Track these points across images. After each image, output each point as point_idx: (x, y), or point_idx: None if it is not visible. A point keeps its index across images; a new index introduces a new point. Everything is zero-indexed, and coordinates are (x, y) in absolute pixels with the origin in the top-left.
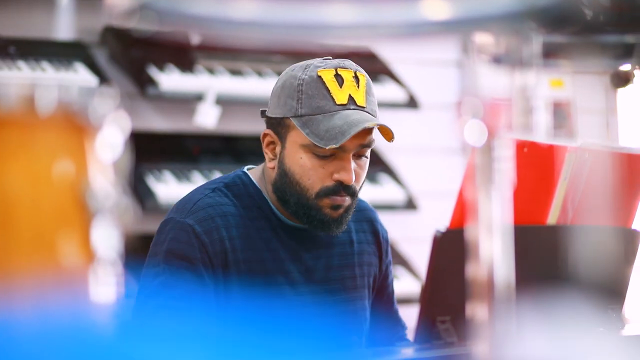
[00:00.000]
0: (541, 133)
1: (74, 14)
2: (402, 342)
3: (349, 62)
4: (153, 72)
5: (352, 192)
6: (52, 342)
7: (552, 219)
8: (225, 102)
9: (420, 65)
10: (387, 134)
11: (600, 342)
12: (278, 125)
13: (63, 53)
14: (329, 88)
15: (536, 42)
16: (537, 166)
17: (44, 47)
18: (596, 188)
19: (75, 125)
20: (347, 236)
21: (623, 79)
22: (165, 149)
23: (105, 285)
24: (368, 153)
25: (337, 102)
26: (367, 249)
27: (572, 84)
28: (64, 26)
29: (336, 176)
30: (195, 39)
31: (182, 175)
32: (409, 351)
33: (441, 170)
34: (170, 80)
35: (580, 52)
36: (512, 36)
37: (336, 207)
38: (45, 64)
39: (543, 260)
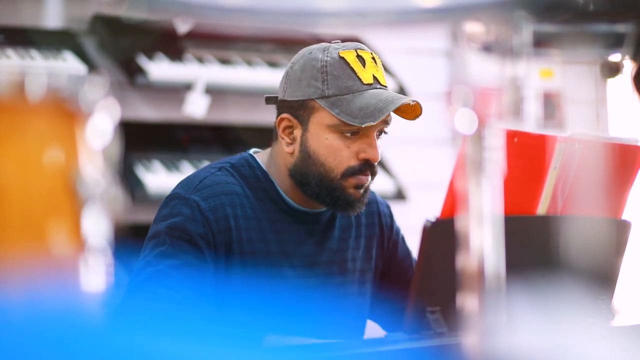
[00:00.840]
0: (531, 123)
1: (62, 3)
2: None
3: (363, 45)
4: (142, 61)
5: (375, 171)
6: (42, 329)
7: (542, 209)
8: (215, 92)
9: (409, 54)
10: (413, 112)
11: (590, 332)
12: (299, 109)
13: (52, 41)
14: (354, 68)
15: (526, 31)
16: (527, 156)
17: (33, 35)
18: (586, 178)
19: (65, 112)
20: (348, 220)
21: (613, 70)
22: (155, 138)
23: (95, 273)
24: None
25: (364, 82)
26: (367, 232)
27: (562, 74)
28: (52, 14)
29: (363, 155)
30: (184, 28)
31: (171, 165)
32: (398, 342)
33: (431, 161)
34: (159, 69)
35: (571, 41)
36: (503, 25)
37: (359, 187)
38: (34, 53)
39: (533, 250)
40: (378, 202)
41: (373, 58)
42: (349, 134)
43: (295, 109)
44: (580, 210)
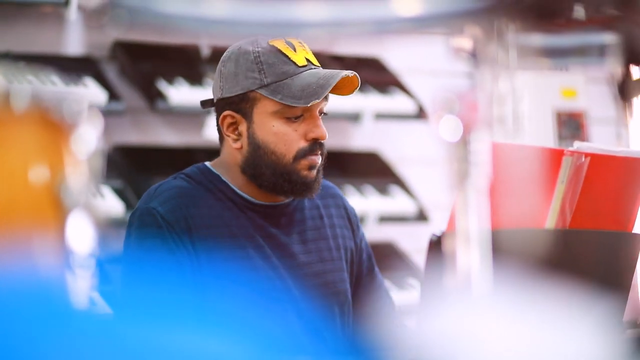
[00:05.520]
0: (529, 136)
1: (83, 29)
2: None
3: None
4: (162, 86)
5: (324, 151)
6: (30, 337)
7: (550, 223)
8: None
9: (429, 76)
10: (350, 87)
11: (602, 346)
12: (240, 102)
13: (73, 68)
14: (286, 54)
15: (515, 41)
16: (533, 170)
17: (54, 62)
18: (594, 191)
19: (50, 123)
20: (317, 211)
21: (635, 89)
22: (176, 162)
23: (81, 280)
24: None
25: (299, 64)
26: (338, 222)
27: (585, 94)
28: (73, 41)
29: (310, 135)
30: (204, 52)
31: None
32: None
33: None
34: (179, 93)
35: (558, 52)
36: (488, 36)
37: (312, 168)
38: (55, 79)
39: (541, 265)
40: (344, 198)
41: (300, 43)
42: (293, 118)
43: (237, 104)
44: (589, 224)
